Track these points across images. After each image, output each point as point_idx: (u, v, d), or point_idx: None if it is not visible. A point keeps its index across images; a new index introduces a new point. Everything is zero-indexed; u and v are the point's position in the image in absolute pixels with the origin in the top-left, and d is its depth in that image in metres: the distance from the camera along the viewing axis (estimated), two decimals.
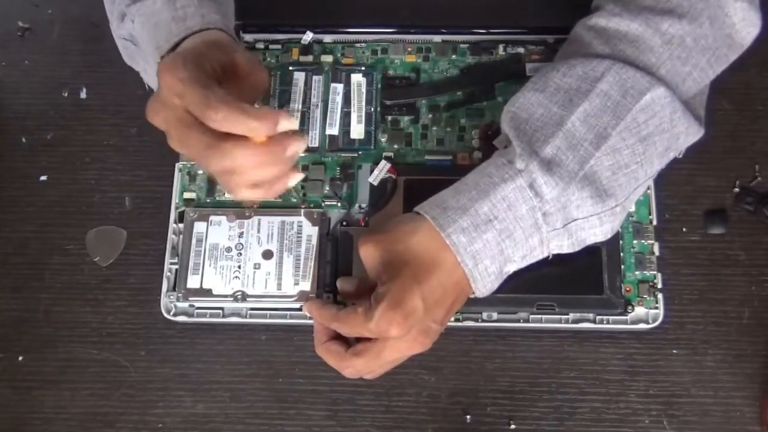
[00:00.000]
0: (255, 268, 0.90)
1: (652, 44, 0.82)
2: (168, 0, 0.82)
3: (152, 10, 0.83)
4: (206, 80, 0.73)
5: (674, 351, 0.90)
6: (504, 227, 0.78)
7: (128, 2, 0.86)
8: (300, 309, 0.90)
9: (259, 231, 0.91)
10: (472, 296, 0.80)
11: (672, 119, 0.81)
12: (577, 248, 0.81)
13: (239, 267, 0.90)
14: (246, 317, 0.90)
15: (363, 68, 0.98)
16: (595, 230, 0.80)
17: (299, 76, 0.98)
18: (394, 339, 0.78)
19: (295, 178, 0.78)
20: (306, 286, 0.89)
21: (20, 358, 0.92)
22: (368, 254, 0.80)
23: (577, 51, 0.85)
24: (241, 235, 0.91)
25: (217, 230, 0.92)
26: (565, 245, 0.80)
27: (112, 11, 0.89)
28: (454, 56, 0.98)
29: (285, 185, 0.78)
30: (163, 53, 0.81)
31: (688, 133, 0.83)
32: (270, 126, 0.72)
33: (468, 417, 0.88)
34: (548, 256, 0.81)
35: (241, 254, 0.91)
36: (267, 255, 0.91)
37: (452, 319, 0.88)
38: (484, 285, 0.79)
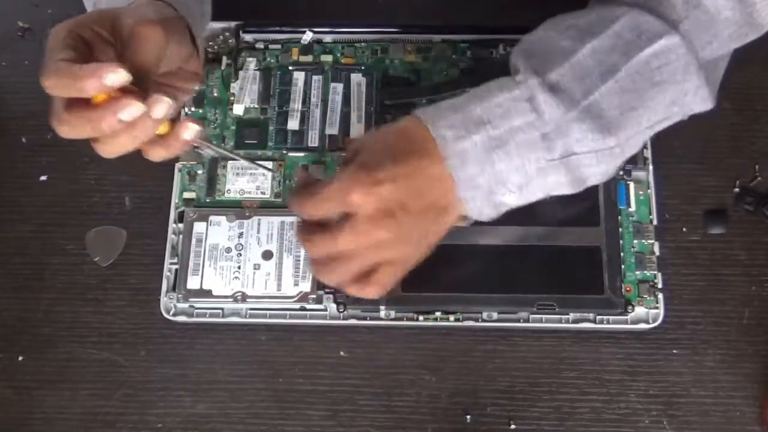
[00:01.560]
0: (255, 268, 0.90)
1: (675, 1, 0.78)
2: None
3: None
4: (58, 47, 0.70)
5: (674, 351, 0.90)
6: (497, 135, 0.74)
7: None
8: (300, 309, 0.90)
9: (258, 231, 0.91)
10: (462, 224, 0.78)
11: (685, 72, 0.77)
12: (576, 188, 0.77)
13: (239, 267, 0.90)
14: (246, 317, 0.90)
15: (363, 68, 0.98)
16: (594, 169, 0.76)
17: (299, 76, 0.98)
18: (362, 214, 0.73)
19: (189, 130, 0.73)
20: (306, 286, 0.89)
21: (20, 358, 0.92)
22: (350, 147, 0.77)
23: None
24: (240, 235, 0.91)
25: (217, 230, 0.92)
26: (563, 182, 0.77)
27: None
28: (454, 56, 0.98)
29: (176, 141, 0.74)
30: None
31: (697, 94, 0.78)
32: (95, 82, 0.67)
33: (468, 417, 0.88)
34: (547, 195, 0.78)
35: (240, 255, 0.91)
36: (267, 255, 0.91)
37: (452, 319, 0.89)
38: (472, 197, 0.75)
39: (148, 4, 0.77)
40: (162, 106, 0.70)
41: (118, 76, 0.68)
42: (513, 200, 0.76)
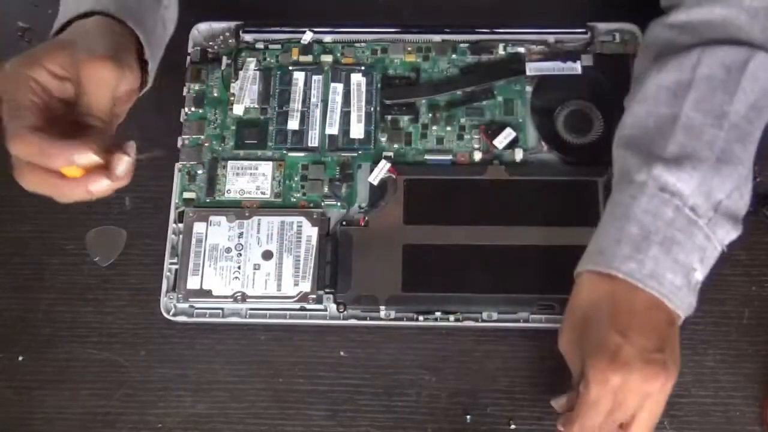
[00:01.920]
0: (255, 268, 0.90)
1: (739, 22, 0.81)
2: None
3: None
4: (19, 100, 0.72)
5: None
6: (663, 237, 0.77)
7: None
8: (300, 309, 0.90)
9: (258, 231, 0.92)
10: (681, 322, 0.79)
11: None
12: (738, 230, 0.80)
13: (239, 268, 0.90)
14: (246, 317, 0.90)
15: (363, 68, 0.98)
16: (740, 202, 0.79)
17: (299, 76, 0.98)
18: (631, 383, 0.75)
19: (123, 164, 0.73)
20: (306, 286, 0.89)
21: (20, 358, 0.92)
22: (564, 347, 0.80)
23: (661, 52, 0.84)
24: (240, 235, 0.91)
25: (217, 230, 0.92)
26: (729, 229, 0.79)
27: None
28: (454, 56, 0.98)
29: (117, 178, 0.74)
30: (53, 31, 0.82)
31: None
32: (64, 161, 0.71)
33: (468, 417, 0.88)
34: (723, 250, 0.80)
35: (240, 255, 0.91)
36: (267, 255, 0.91)
37: (452, 319, 0.89)
38: (681, 299, 0.77)
39: (98, 30, 0.79)
40: (123, 165, 0.73)
41: (87, 159, 0.71)
42: (701, 275, 0.79)
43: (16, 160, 0.72)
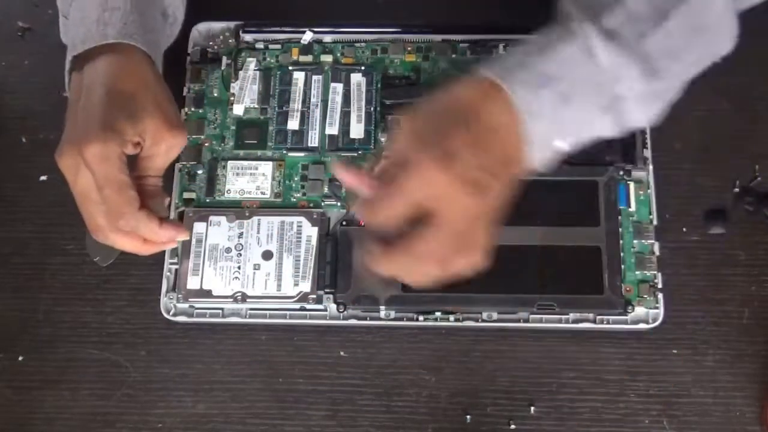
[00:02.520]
0: (255, 268, 0.90)
1: None
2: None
3: (86, 3, 0.85)
4: (123, 181, 0.79)
5: (674, 351, 0.90)
6: (562, 89, 0.74)
7: None
8: (300, 309, 0.90)
9: (258, 231, 0.92)
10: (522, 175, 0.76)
11: (722, 15, 0.77)
12: (618, 132, 0.77)
13: (239, 268, 0.90)
14: (246, 317, 0.90)
15: (363, 68, 0.98)
16: (640, 115, 0.76)
17: (299, 76, 0.98)
18: (452, 186, 0.72)
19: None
20: (306, 286, 0.89)
21: (20, 358, 0.92)
22: (408, 125, 0.75)
23: None
24: (240, 235, 0.91)
25: (217, 230, 0.92)
26: (607, 127, 0.77)
27: None
28: (454, 56, 0.98)
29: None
30: (75, 53, 0.84)
31: (728, 36, 0.78)
32: (169, 240, 0.84)
33: (468, 417, 0.88)
34: (592, 137, 0.77)
35: (240, 255, 0.91)
36: (267, 255, 0.91)
37: (452, 319, 0.89)
38: (540, 149, 0.74)
39: (153, 78, 0.83)
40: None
41: (185, 238, 0.85)
42: (567, 146, 0.76)
43: (95, 219, 0.80)
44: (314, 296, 0.89)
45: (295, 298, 0.89)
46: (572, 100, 0.74)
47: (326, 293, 0.90)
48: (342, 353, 0.91)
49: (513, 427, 0.88)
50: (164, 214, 0.83)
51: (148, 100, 0.81)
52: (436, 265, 0.75)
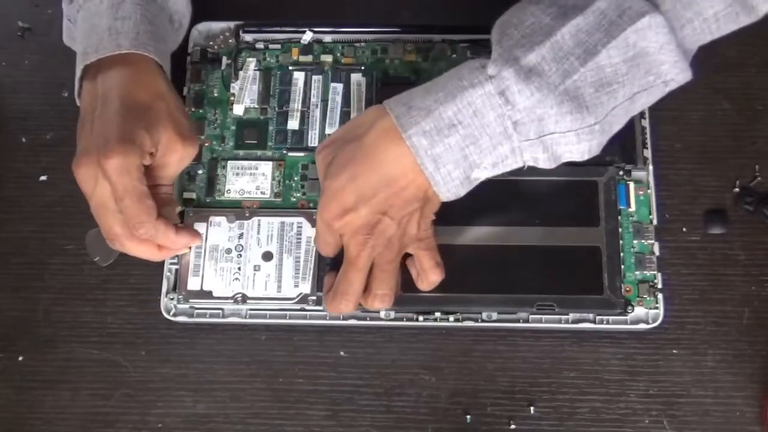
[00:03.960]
0: (255, 269, 0.90)
1: None
2: (112, 6, 0.87)
3: (96, 11, 0.87)
4: (143, 191, 0.82)
5: (674, 351, 0.90)
6: (468, 133, 0.76)
7: None
8: (299, 310, 0.90)
9: (258, 232, 0.91)
10: (443, 201, 0.81)
11: (661, 48, 0.77)
12: (553, 164, 0.79)
13: (239, 269, 0.90)
14: (246, 317, 0.90)
15: (363, 68, 0.98)
16: (572, 147, 0.78)
17: (299, 76, 0.98)
18: (345, 232, 0.81)
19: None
20: (306, 288, 0.89)
21: (20, 358, 0.92)
22: (320, 159, 0.82)
23: None
24: (240, 236, 0.91)
25: (217, 231, 0.92)
26: (540, 158, 0.78)
27: None
28: (454, 56, 0.98)
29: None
30: (87, 62, 0.85)
31: (675, 66, 0.78)
32: (185, 246, 0.90)
33: (468, 417, 0.88)
34: (523, 167, 0.79)
35: (240, 256, 0.91)
36: (267, 257, 0.91)
37: (452, 319, 0.89)
38: (448, 189, 0.79)
39: (166, 88, 0.86)
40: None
41: (199, 243, 0.91)
42: (486, 174, 0.79)
43: (112, 227, 0.83)
44: (314, 298, 0.89)
45: (295, 300, 0.89)
46: (483, 144, 0.77)
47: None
48: (342, 353, 0.91)
49: (513, 427, 0.88)
50: (176, 221, 0.88)
51: (162, 110, 0.83)
52: (349, 299, 0.84)
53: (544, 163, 0.79)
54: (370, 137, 0.78)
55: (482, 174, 0.79)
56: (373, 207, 0.79)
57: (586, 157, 0.79)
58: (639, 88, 0.78)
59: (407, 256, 0.86)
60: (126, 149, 0.80)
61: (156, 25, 0.88)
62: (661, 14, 0.76)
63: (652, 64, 0.77)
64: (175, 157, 0.84)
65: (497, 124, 0.76)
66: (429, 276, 0.85)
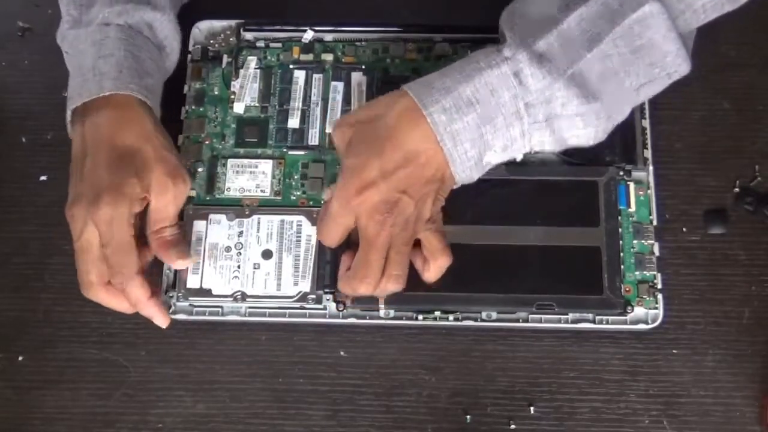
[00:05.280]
0: (254, 268, 0.90)
1: None
2: (95, 43, 0.88)
3: (82, 48, 0.89)
4: (128, 242, 0.84)
5: (674, 351, 0.90)
6: (485, 112, 0.79)
7: (67, 25, 0.91)
8: (299, 308, 0.90)
9: (258, 230, 0.91)
10: (454, 187, 0.83)
11: (665, 37, 0.79)
12: (558, 147, 0.82)
13: (238, 267, 0.90)
14: (245, 316, 0.90)
15: (363, 67, 0.98)
16: (578, 132, 0.81)
17: (299, 75, 0.98)
18: (362, 211, 0.81)
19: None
20: (305, 286, 0.89)
21: (20, 358, 0.92)
22: (338, 135, 0.83)
23: None
24: (240, 234, 0.91)
25: (217, 229, 0.92)
26: (546, 141, 0.82)
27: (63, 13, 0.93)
28: (454, 56, 0.98)
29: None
30: (73, 106, 0.87)
31: (678, 56, 0.81)
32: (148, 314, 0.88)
33: (468, 417, 0.88)
34: (530, 150, 0.83)
35: (240, 254, 0.91)
36: (266, 255, 0.91)
37: (451, 318, 0.89)
38: (464, 169, 0.81)
39: (154, 128, 0.87)
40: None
41: (162, 325, 0.89)
42: (496, 158, 0.82)
43: (87, 276, 0.85)
44: (314, 296, 0.89)
45: (295, 298, 0.89)
46: (497, 123, 0.80)
47: (326, 293, 0.90)
48: (342, 353, 0.91)
49: (513, 427, 0.88)
50: (187, 257, 0.88)
51: (150, 153, 0.85)
52: (369, 281, 0.83)
53: (550, 146, 0.82)
54: (391, 117, 0.80)
55: (493, 158, 0.81)
56: (394, 184, 0.80)
57: (591, 143, 0.82)
58: (645, 79, 0.81)
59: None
60: (116, 200, 0.82)
61: (141, 60, 0.89)
62: (659, 1, 0.78)
63: (657, 54, 0.80)
64: (168, 197, 0.85)
65: (511, 104, 0.79)
66: (438, 258, 0.85)
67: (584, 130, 0.81)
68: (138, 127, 0.86)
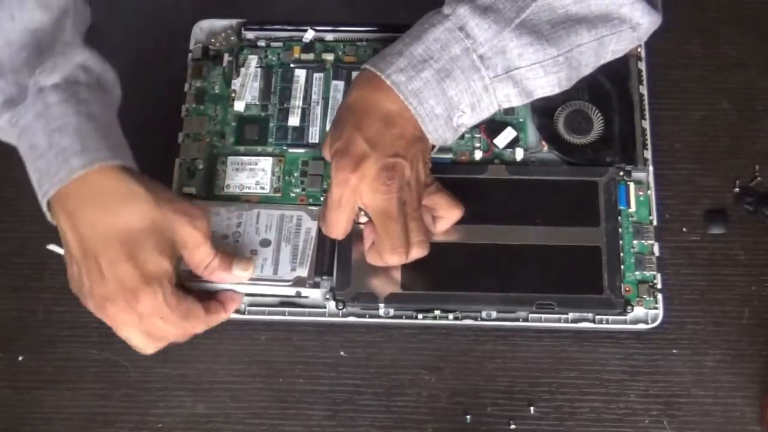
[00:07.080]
0: (252, 254, 0.90)
1: None
2: (39, 115, 0.80)
3: (26, 125, 0.81)
4: (185, 308, 0.83)
5: (674, 351, 0.90)
6: (441, 66, 0.81)
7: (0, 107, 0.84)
8: (296, 295, 0.89)
9: (257, 222, 0.91)
10: (433, 152, 0.86)
11: None
12: (526, 99, 0.83)
13: (236, 253, 0.89)
14: (245, 314, 0.90)
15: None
16: (541, 81, 0.82)
17: (300, 74, 0.98)
18: (365, 187, 0.81)
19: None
20: (303, 271, 0.89)
21: (20, 358, 0.92)
22: (325, 143, 0.85)
23: None
24: (239, 225, 0.91)
25: (216, 220, 0.91)
26: (512, 94, 0.82)
27: None
28: None
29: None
30: (47, 197, 0.80)
31: (635, 8, 0.82)
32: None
33: (468, 417, 0.88)
34: (499, 109, 0.84)
35: (238, 241, 0.90)
36: (265, 243, 0.90)
37: (451, 317, 0.89)
38: (435, 128, 0.82)
39: (151, 182, 0.82)
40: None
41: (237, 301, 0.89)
42: (468, 120, 0.83)
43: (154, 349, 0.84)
44: (311, 281, 0.89)
45: (291, 282, 0.89)
46: (456, 76, 0.81)
47: (324, 279, 0.89)
48: (342, 353, 0.91)
49: (513, 427, 0.88)
50: (246, 261, 0.88)
51: (160, 220, 0.80)
52: (400, 251, 0.84)
53: (517, 99, 0.83)
54: (356, 93, 0.83)
55: (464, 120, 0.83)
56: (384, 150, 0.80)
57: (557, 91, 0.83)
58: (607, 31, 0.82)
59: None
60: (155, 290, 0.80)
61: (95, 116, 0.81)
62: None
63: (612, 5, 0.81)
64: (198, 242, 0.83)
65: (465, 57, 0.81)
66: (452, 213, 0.87)
67: (546, 78, 0.82)
68: (133, 203, 0.80)
